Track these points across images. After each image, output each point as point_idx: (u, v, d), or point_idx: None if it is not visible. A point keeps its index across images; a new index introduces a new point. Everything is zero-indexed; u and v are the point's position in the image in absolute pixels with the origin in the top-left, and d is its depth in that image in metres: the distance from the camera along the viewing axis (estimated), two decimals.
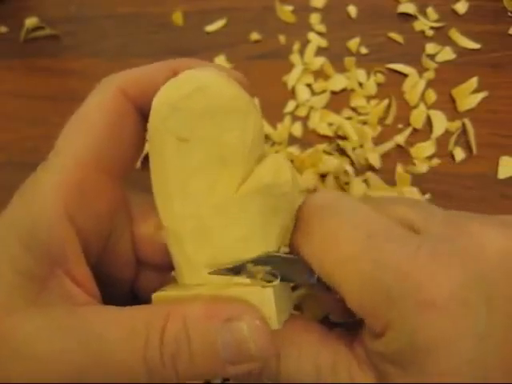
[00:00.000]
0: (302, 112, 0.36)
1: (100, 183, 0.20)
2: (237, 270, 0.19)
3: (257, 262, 0.19)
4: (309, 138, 0.35)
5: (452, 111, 0.34)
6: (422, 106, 0.34)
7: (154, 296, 0.19)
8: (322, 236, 0.19)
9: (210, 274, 0.19)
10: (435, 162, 0.33)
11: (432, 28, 0.37)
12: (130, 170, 0.22)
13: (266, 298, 0.18)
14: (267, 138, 0.35)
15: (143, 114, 0.21)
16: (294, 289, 0.28)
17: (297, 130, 0.35)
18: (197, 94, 0.18)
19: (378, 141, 0.34)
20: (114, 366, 0.17)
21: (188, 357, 0.17)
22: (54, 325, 0.17)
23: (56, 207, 0.18)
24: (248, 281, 0.19)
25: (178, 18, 0.42)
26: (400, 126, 0.34)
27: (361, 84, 0.36)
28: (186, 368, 0.17)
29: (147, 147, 0.21)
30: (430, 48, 0.36)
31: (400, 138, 0.33)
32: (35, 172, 0.20)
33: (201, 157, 0.19)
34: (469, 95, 0.34)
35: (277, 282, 0.19)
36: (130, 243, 0.22)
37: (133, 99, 0.20)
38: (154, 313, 0.17)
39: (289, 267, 0.20)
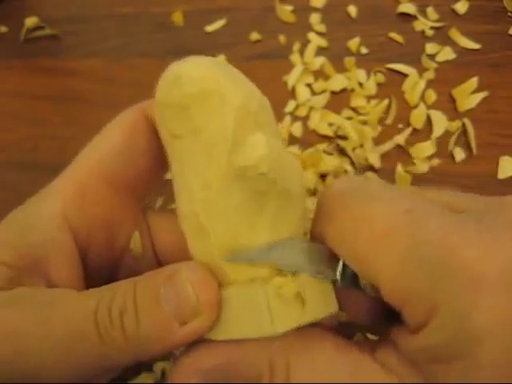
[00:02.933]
0: (302, 112, 0.36)
1: (104, 192, 0.20)
2: (254, 256, 0.17)
3: (271, 248, 0.17)
4: (309, 138, 0.35)
5: (452, 111, 0.34)
6: (422, 106, 0.34)
7: None
8: (350, 216, 0.17)
9: (223, 260, 0.18)
10: (435, 162, 0.33)
11: (432, 28, 0.37)
12: (148, 187, 0.22)
13: (253, 299, 0.17)
14: None
15: None
16: None
17: (297, 130, 0.35)
18: (173, 86, 0.17)
19: (378, 141, 0.34)
20: (64, 327, 0.17)
21: (133, 312, 0.17)
22: (10, 299, 0.17)
23: (53, 210, 0.19)
24: (254, 273, 0.17)
25: (178, 17, 0.42)
26: (400, 126, 0.34)
27: (361, 84, 0.36)
28: (131, 324, 0.17)
29: None
30: (430, 48, 0.36)
31: (400, 138, 0.33)
32: None
33: (192, 151, 0.18)
34: (469, 95, 0.34)
35: (278, 279, 0.17)
36: (153, 257, 0.22)
37: (152, 120, 0.21)
38: (108, 286, 0.18)
39: (311, 256, 0.18)
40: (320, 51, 0.38)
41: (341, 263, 0.18)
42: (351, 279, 0.18)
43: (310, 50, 0.38)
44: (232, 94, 0.17)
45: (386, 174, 0.33)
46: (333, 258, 0.18)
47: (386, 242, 0.16)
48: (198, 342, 0.18)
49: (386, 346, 0.17)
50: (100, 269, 0.21)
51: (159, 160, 0.21)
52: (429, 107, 0.34)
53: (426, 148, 0.33)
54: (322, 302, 0.18)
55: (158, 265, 0.22)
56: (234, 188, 0.17)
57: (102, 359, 0.17)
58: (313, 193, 0.33)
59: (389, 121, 0.34)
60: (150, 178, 0.22)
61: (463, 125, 0.33)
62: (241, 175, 0.17)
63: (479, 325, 0.14)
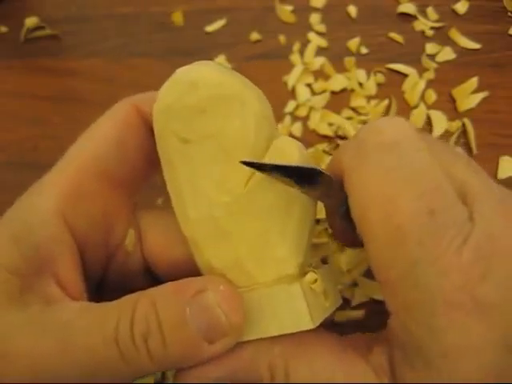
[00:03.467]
0: (302, 112, 0.36)
1: (98, 189, 0.20)
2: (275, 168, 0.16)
3: (288, 168, 0.16)
4: (309, 138, 0.35)
5: (452, 111, 0.34)
6: (422, 106, 0.34)
7: None
8: (375, 183, 0.16)
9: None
10: None
11: (432, 28, 0.37)
12: (140, 183, 0.22)
13: (294, 296, 0.17)
14: None
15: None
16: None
17: (297, 130, 0.35)
18: (188, 90, 0.17)
19: None
20: (85, 353, 0.16)
21: (160, 336, 0.16)
22: (28, 322, 0.17)
23: (51, 207, 0.18)
24: (273, 275, 0.18)
25: (178, 17, 0.42)
26: None
27: (361, 84, 0.36)
28: (158, 348, 0.16)
29: None
30: (430, 48, 0.36)
31: None
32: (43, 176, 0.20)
33: (206, 156, 0.18)
34: (469, 95, 0.34)
35: (311, 274, 0.18)
36: (141, 257, 0.22)
37: (146, 116, 0.20)
38: (125, 300, 0.17)
39: (321, 185, 0.17)
40: (320, 51, 0.38)
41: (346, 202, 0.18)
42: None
43: (310, 50, 0.38)
44: (251, 99, 0.18)
45: None
46: (340, 187, 0.18)
47: (396, 235, 0.16)
48: None
49: (380, 344, 0.17)
50: (94, 265, 0.21)
51: (151, 156, 0.21)
52: (429, 107, 0.34)
53: None
54: (335, 294, 0.19)
55: (145, 262, 0.22)
56: (263, 190, 0.18)
57: (126, 377, 0.17)
58: None
59: None
60: (142, 174, 0.22)
61: (463, 125, 0.33)
62: (271, 179, 0.17)
63: (448, 342, 0.15)
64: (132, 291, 0.22)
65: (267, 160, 0.18)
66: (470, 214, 0.16)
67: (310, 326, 0.17)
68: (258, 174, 0.17)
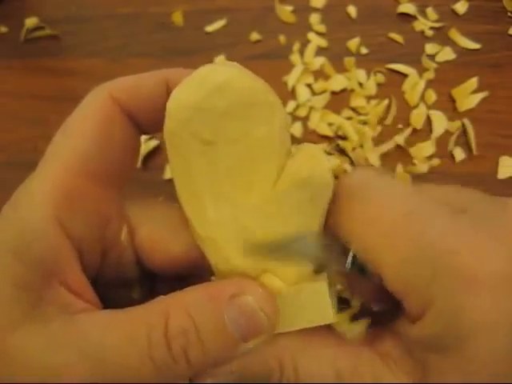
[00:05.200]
0: (302, 112, 0.36)
1: (89, 189, 0.19)
2: (273, 249, 0.19)
3: (291, 243, 0.19)
4: (309, 138, 0.35)
5: (452, 111, 0.34)
6: (422, 106, 0.34)
7: None
8: (363, 212, 0.18)
9: (245, 254, 0.19)
10: (435, 161, 0.33)
11: (432, 28, 0.37)
12: (126, 176, 0.21)
13: (320, 292, 0.19)
14: None
15: (135, 120, 0.20)
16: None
17: (297, 130, 0.35)
18: (218, 92, 0.17)
19: (378, 141, 0.34)
20: (119, 371, 0.16)
21: (200, 345, 0.16)
22: (52, 338, 0.16)
23: (46, 215, 0.18)
24: (293, 272, 0.19)
25: (178, 17, 0.42)
26: (400, 126, 0.34)
27: (361, 84, 0.36)
28: (198, 356, 0.16)
29: (143, 148, 0.20)
30: (430, 48, 0.36)
31: (400, 138, 0.33)
32: (24, 182, 0.19)
33: (231, 158, 0.18)
34: (469, 95, 0.34)
35: (324, 274, 0.19)
36: (132, 251, 0.22)
37: (123, 105, 0.20)
38: (153, 310, 0.17)
39: (323, 251, 0.19)
40: (320, 51, 0.38)
41: (351, 254, 0.20)
42: (359, 267, 0.20)
43: (310, 50, 0.38)
44: (278, 106, 0.18)
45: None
46: (343, 247, 0.20)
47: (392, 240, 0.17)
48: None
49: (385, 336, 0.19)
50: (91, 263, 0.20)
51: (132, 149, 0.21)
52: (429, 107, 0.34)
53: (426, 148, 0.33)
54: (334, 292, 0.21)
55: (136, 255, 0.22)
56: (287, 194, 0.18)
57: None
58: None
59: (389, 121, 0.34)
60: (128, 167, 0.21)
61: (463, 125, 0.33)
62: (300, 184, 0.18)
63: (469, 323, 0.16)
64: (125, 283, 0.21)
65: (298, 167, 0.18)
66: (460, 211, 0.18)
67: (334, 319, 0.19)
68: (285, 177, 0.18)
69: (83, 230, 0.19)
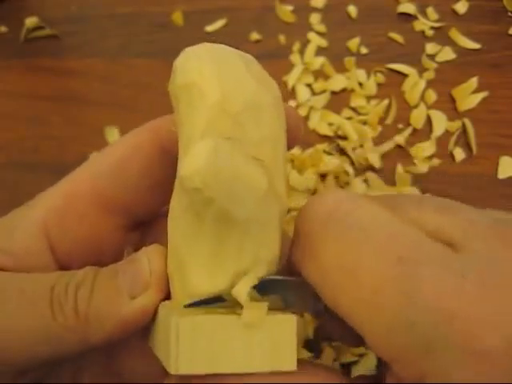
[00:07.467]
0: (302, 112, 0.36)
1: (89, 209, 0.20)
2: (217, 300, 0.16)
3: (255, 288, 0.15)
4: (309, 138, 0.35)
5: (452, 111, 0.34)
6: (422, 106, 0.34)
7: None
8: (334, 261, 0.15)
9: (186, 307, 0.16)
10: (435, 161, 0.33)
11: (432, 28, 0.37)
12: (149, 211, 0.21)
13: (287, 327, 0.15)
14: None
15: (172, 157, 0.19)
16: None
17: None
18: (172, 77, 0.17)
19: (378, 141, 0.34)
20: (18, 304, 0.17)
21: (89, 287, 0.17)
22: None
23: (36, 217, 0.19)
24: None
25: (178, 17, 0.42)
26: (400, 126, 0.34)
27: (361, 84, 0.36)
28: (85, 301, 0.17)
29: None
30: (430, 48, 0.36)
31: (400, 138, 0.33)
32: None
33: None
34: (469, 95, 0.34)
35: (291, 315, 0.15)
36: None
37: (164, 141, 0.20)
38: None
39: (290, 291, 0.16)
40: (320, 51, 0.38)
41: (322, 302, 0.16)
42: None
43: (310, 49, 0.38)
44: (211, 90, 0.15)
45: (386, 174, 0.33)
46: (311, 290, 0.16)
47: (375, 302, 0.14)
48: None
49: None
50: None
51: (161, 184, 0.20)
52: (429, 107, 0.34)
53: (426, 148, 0.33)
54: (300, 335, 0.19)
55: None
56: (180, 210, 0.15)
57: (52, 339, 0.17)
58: (313, 193, 0.33)
59: (389, 121, 0.34)
60: (150, 202, 0.21)
61: (463, 125, 0.33)
62: (181, 189, 0.15)
63: None
64: None
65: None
66: (455, 247, 0.14)
67: (293, 367, 0.15)
68: (177, 182, 0.16)
69: (70, 246, 0.19)
